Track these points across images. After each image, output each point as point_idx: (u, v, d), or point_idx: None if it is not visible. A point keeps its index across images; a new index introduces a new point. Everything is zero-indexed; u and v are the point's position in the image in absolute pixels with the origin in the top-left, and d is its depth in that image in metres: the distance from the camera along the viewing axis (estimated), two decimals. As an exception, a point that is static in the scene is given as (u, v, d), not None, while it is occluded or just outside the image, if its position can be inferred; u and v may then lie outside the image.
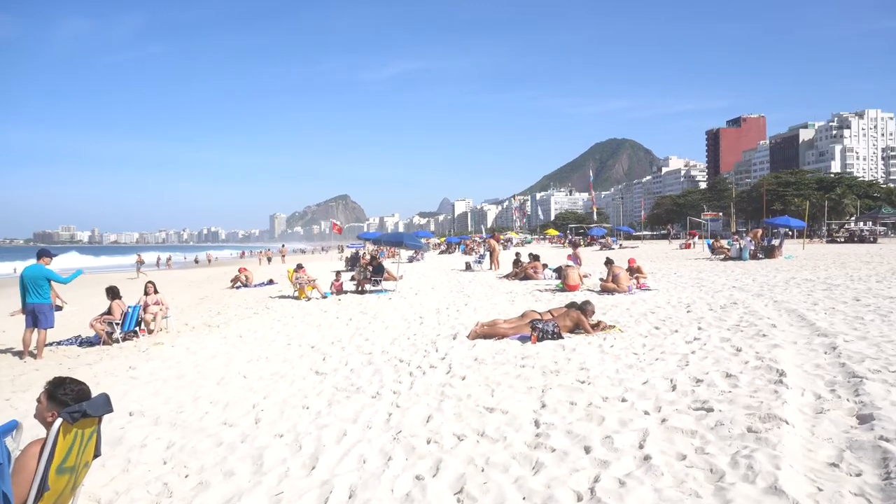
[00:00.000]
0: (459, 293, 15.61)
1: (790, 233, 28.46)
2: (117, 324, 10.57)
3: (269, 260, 53.41)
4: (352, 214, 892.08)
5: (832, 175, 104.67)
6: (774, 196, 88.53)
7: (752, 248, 23.07)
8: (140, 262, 42.20)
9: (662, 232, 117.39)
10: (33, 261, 9.95)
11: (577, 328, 8.62)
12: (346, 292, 17.08)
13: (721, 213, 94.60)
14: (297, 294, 16.55)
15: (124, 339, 10.94)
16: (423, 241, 28.31)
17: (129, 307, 10.81)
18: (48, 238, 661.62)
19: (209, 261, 66.94)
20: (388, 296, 15.88)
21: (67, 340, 11.19)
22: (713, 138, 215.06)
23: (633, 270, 14.54)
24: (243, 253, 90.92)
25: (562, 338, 8.13)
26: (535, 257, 19.16)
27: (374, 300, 15.02)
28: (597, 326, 8.63)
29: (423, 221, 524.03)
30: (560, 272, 18.66)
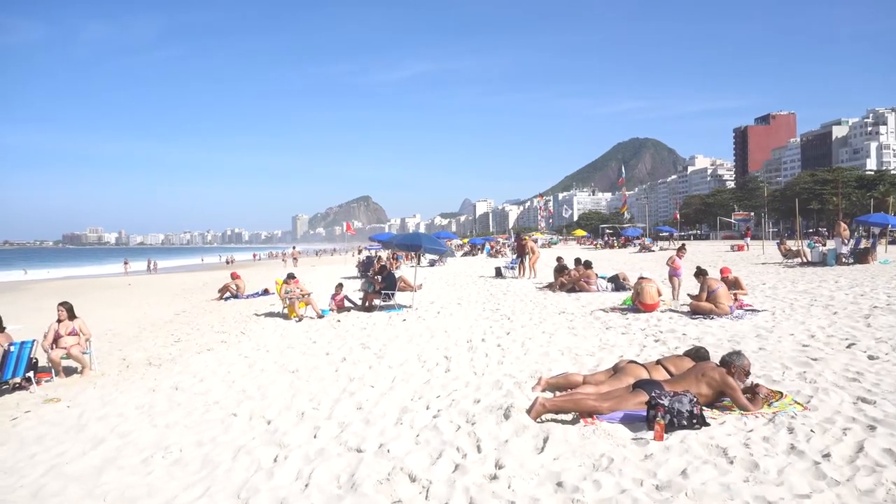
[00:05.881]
0: (495, 312, 11.96)
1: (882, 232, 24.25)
2: (-7, 369, 7.13)
3: (296, 260, 48.72)
4: (373, 215, 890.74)
5: (871, 172, 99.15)
6: (811, 195, 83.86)
7: (845, 250, 19.03)
8: None
9: (692, 232, 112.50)
10: None
11: (720, 398, 4.96)
12: (349, 308, 13.54)
13: (752, 213, 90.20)
14: (286, 311, 13.04)
15: (15, 389, 7.52)
16: (446, 242, 24.42)
17: (11, 345, 7.32)
18: (76, 240, 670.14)
19: (230, 261, 63.74)
20: (401, 315, 12.29)
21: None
22: (741, 136, 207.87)
23: (731, 284, 10.76)
24: (255, 255, 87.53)
25: (706, 423, 4.47)
26: (586, 264, 15.39)
27: (382, 322, 11.43)
28: (755, 396, 4.94)
29: (445, 222, 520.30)
30: (616, 281, 15.01)
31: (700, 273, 10.56)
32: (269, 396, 6.33)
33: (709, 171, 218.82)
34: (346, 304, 13.66)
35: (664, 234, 63.92)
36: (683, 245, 14.23)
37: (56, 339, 8.27)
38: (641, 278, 10.89)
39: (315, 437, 4.91)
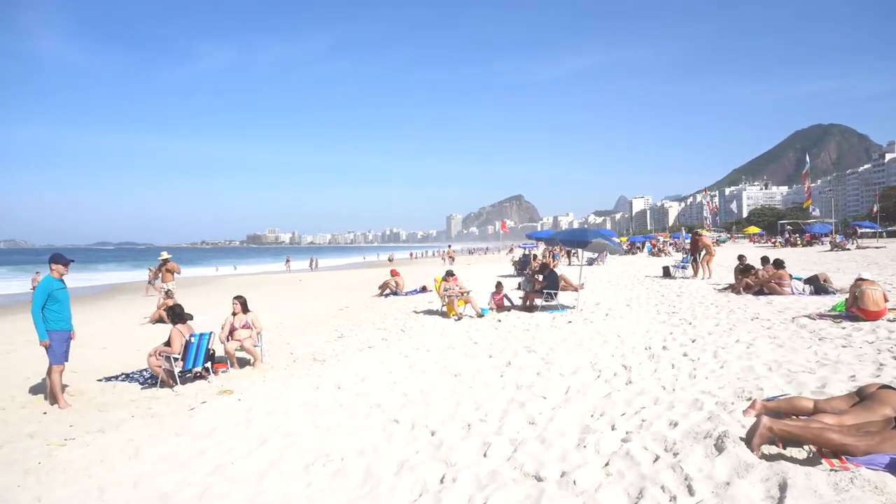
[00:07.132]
0: (672, 315, 10.68)
1: None
2: (176, 359, 7.45)
3: (453, 259, 49.36)
4: (525, 214, 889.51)
5: None
6: None
7: None
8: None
9: (891, 228, 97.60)
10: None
11: None
12: (509, 308, 12.95)
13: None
14: (445, 309, 12.76)
15: (196, 377, 7.85)
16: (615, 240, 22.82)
17: (192, 336, 7.63)
18: (257, 239, 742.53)
19: (391, 259, 66.47)
20: (565, 316, 11.45)
21: (136, 374, 8.42)
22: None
23: None
24: (412, 254, 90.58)
25: None
26: (777, 263, 13.42)
27: (546, 324, 10.68)
28: None
29: (599, 220, 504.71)
30: (815, 283, 12.90)
31: (944, 274, 8.53)
32: (431, 403, 5.87)
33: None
34: (506, 303, 13.09)
35: (864, 229, 55.55)
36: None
37: (231, 332, 8.57)
38: (860, 280, 9.04)
39: (485, 455, 4.31)
